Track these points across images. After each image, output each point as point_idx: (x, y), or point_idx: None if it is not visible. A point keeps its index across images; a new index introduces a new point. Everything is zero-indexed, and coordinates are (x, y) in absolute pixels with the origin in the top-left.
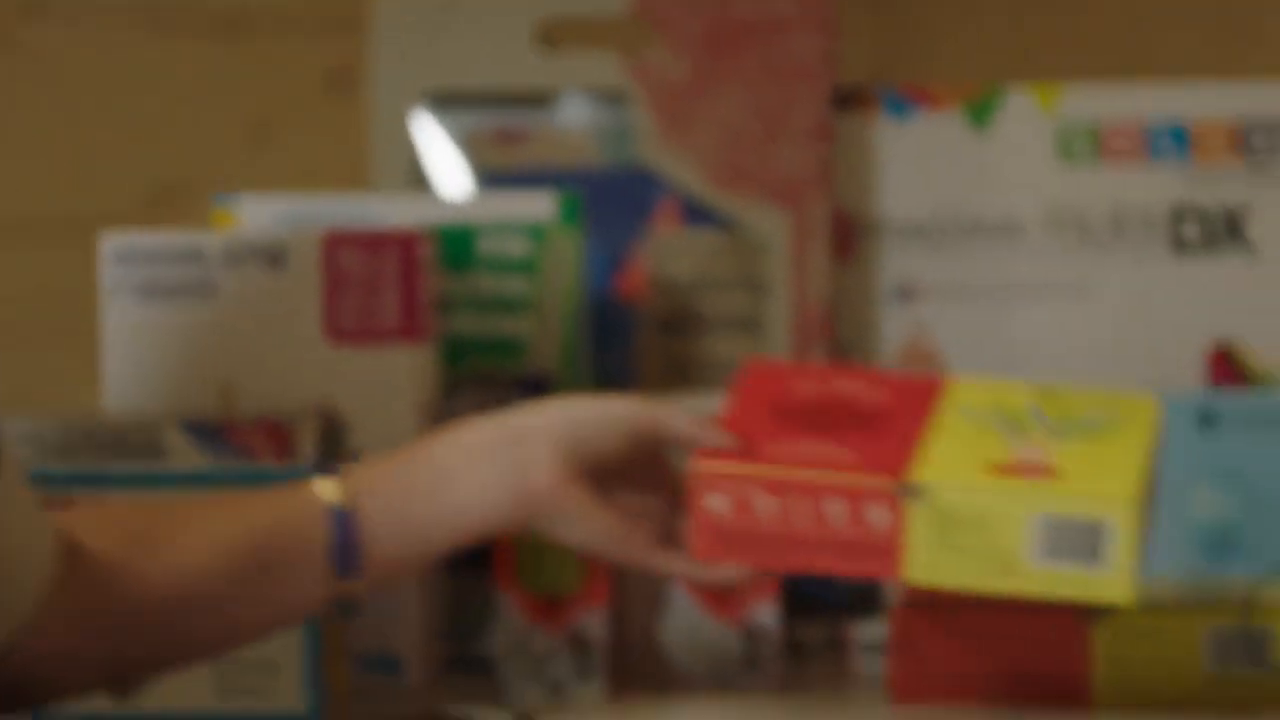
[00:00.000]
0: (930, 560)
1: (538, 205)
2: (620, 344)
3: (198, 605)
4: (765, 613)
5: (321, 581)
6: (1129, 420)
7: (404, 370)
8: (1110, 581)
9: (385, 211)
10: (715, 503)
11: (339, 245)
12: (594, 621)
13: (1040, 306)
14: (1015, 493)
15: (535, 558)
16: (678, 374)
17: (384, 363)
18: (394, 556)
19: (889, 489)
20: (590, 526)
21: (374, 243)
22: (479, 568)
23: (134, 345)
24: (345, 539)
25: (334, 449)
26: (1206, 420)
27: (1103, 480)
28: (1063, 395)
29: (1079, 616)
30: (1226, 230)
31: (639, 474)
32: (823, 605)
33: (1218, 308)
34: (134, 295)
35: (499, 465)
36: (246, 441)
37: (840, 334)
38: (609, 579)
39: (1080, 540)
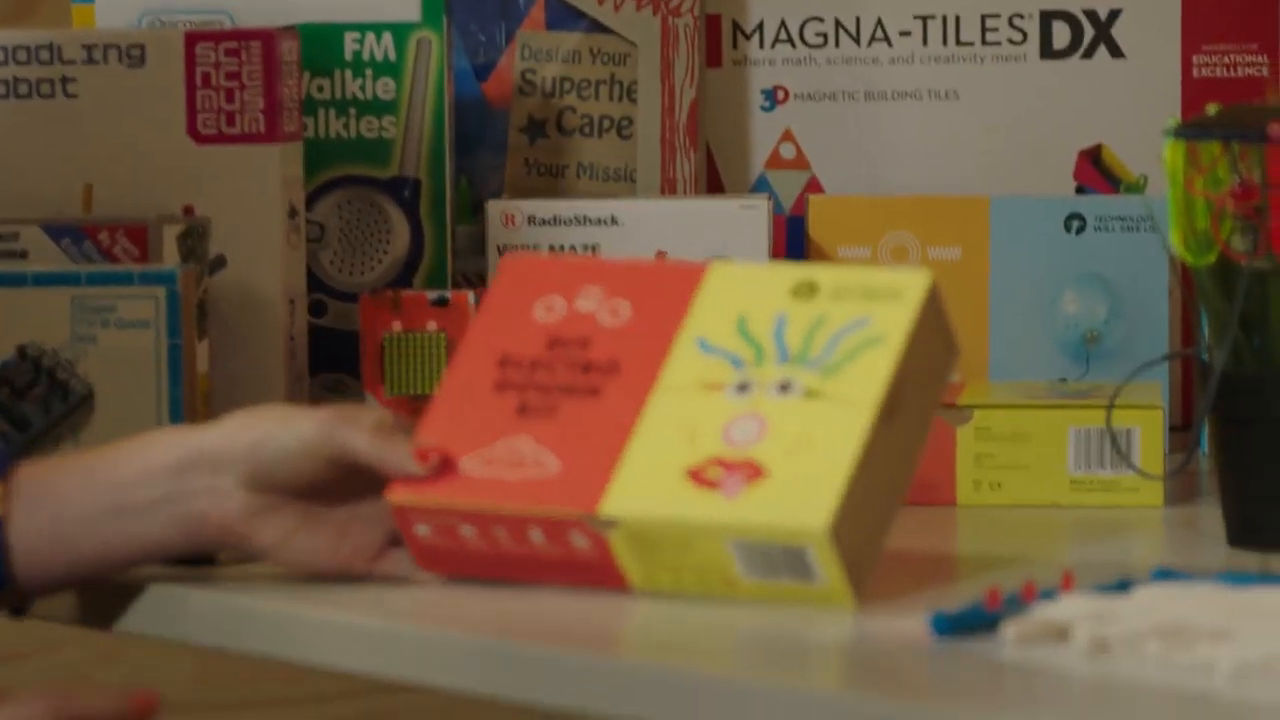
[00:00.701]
0: (649, 574)
1: (403, 5)
2: (488, 147)
3: None
4: None
5: None
6: (880, 332)
7: (268, 172)
8: (827, 592)
9: (247, 11)
10: (421, 530)
11: (201, 44)
12: None
13: (910, 111)
14: (708, 520)
15: (402, 361)
16: (546, 177)
17: (248, 164)
18: (51, 575)
19: (583, 520)
20: (291, 555)
21: (236, 41)
22: (347, 371)
23: None
24: None
25: (197, 251)
26: (1073, 223)
27: (801, 499)
28: (824, 288)
29: (945, 417)
30: (1095, 34)
31: (355, 480)
32: None
33: (1086, 111)
34: None
35: (176, 497)
36: (109, 243)
37: (710, 139)
38: None
39: (785, 561)
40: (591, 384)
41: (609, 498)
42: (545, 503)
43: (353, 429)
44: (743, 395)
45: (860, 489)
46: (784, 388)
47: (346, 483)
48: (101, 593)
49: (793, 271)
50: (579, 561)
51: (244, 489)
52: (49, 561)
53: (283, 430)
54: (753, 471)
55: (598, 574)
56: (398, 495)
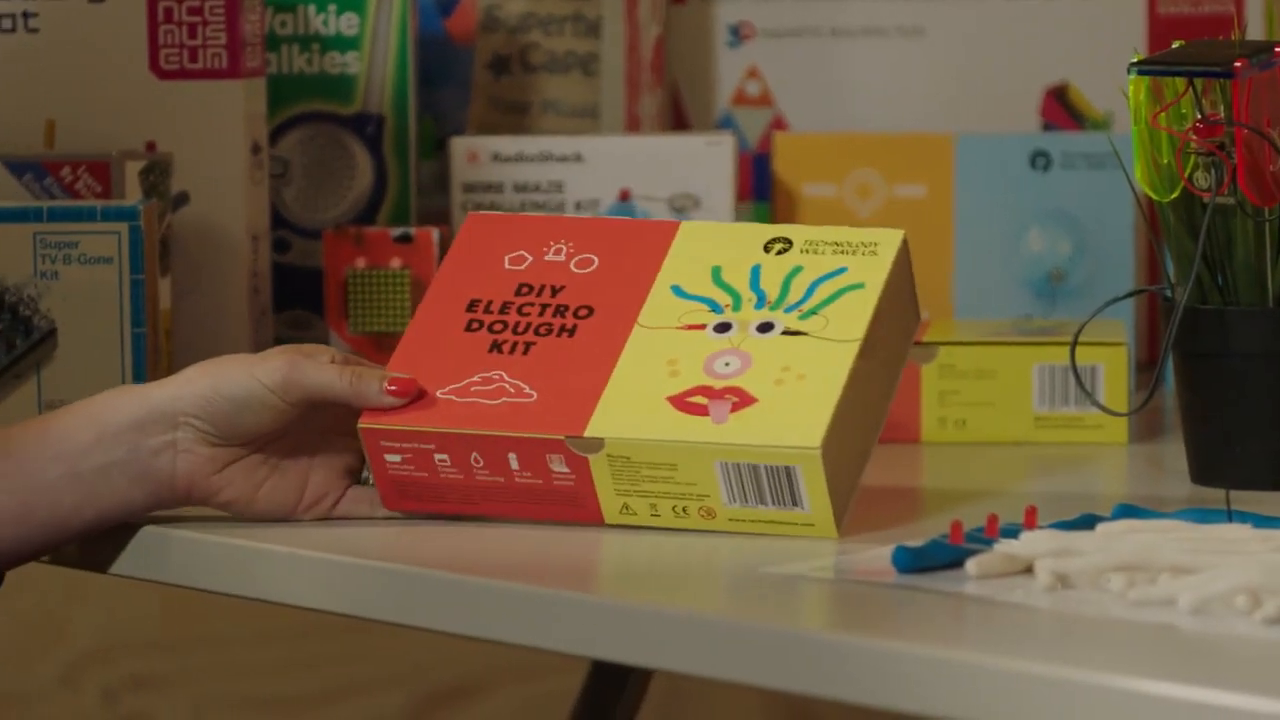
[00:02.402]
0: (625, 504)
1: None
2: (452, 83)
3: None
4: None
5: None
6: (858, 279)
7: (231, 108)
8: (809, 520)
9: None
10: (393, 459)
11: None
12: None
13: (876, 48)
14: (696, 440)
15: (365, 297)
16: (510, 114)
17: (211, 100)
18: (17, 549)
19: (565, 443)
20: (257, 508)
21: None
22: (310, 308)
23: None
24: None
25: (160, 188)
26: (1039, 161)
27: (792, 421)
28: (796, 243)
29: (910, 355)
30: None
31: (313, 421)
32: None
33: (1052, 49)
34: None
35: (135, 458)
36: (71, 179)
37: (675, 75)
38: None
39: (771, 486)
40: (565, 325)
41: (593, 422)
42: (527, 427)
43: (321, 366)
44: (723, 334)
45: (845, 419)
46: (765, 328)
47: (303, 424)
48: None
49: (764, 229)
50: (553, 491)
51: (205, 443)
52: (14, 536)
53: (244, 378)
54: (740, 399)
55: (571, 505)
56: (370, 421)
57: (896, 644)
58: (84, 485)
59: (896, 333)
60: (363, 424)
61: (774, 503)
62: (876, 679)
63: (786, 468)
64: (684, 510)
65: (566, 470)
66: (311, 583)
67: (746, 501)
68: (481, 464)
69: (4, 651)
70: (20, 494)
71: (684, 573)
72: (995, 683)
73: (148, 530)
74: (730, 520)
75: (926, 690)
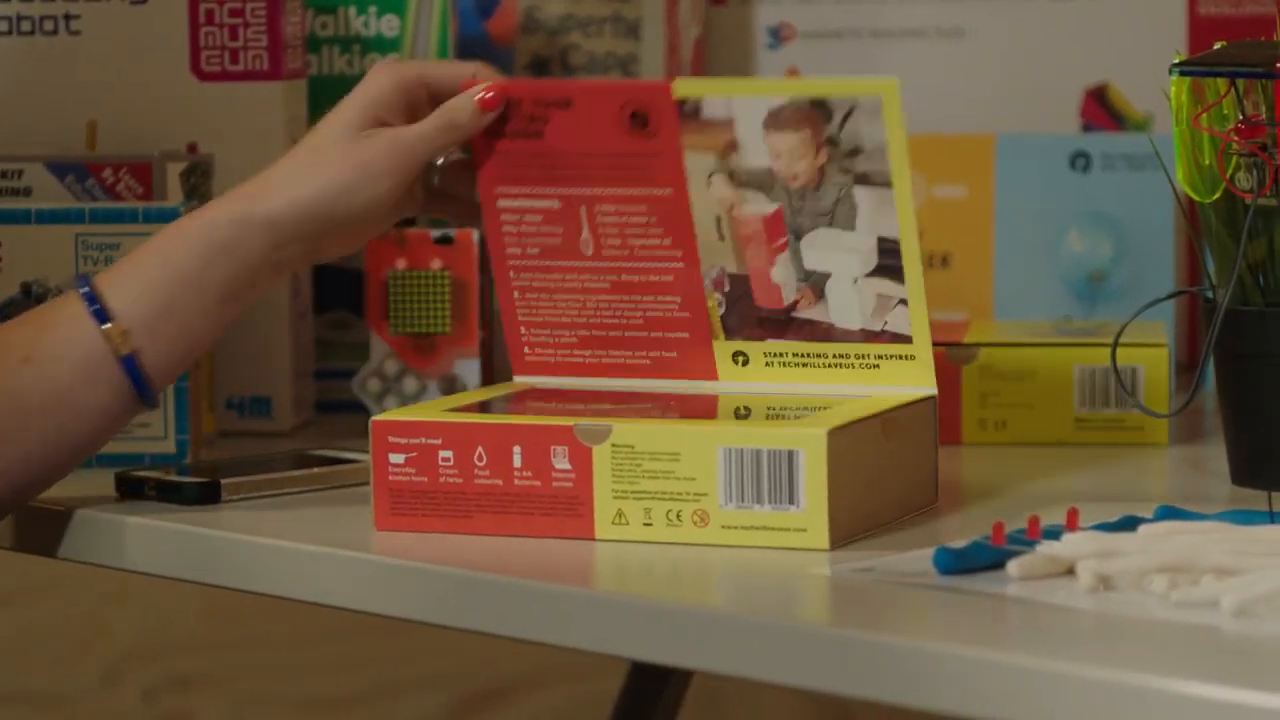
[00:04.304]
0: (621, 509)
1: None
2: None
3: None
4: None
5: (117, 415)
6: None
7: (272, 109)
8: (804, 522)
9: None
10: (397, 459)
11: None
12: (467, 363)
13: (916, 49)
14: (704, 429)
15: (405, 298)
16: None
17: (251, 101)
18: (181, 370)
19: (572, 430)
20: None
21: None
22: (351, 309)
23: None
24: (139, 384)
25: (201, 189)
26: (1079, 162)
27: (804, 420)
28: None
29: (950, 356)
30: None
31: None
32: None
33: (1092, 49)
34: None
35: (263, 272)
36: (112, 180)
37: (714, 76)
38: (482, 323)
39: (772, 477)
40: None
41: (602, 419)
42: (533, 417)
43: (418, 135)
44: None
45: (859, 441)
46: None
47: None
48: (41, 520)
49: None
50: (551, 496)
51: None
52: (181, 365)
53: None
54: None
55: (565, 515)
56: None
57: (938, 645)
58: (227, 310)
59: (909, 472)
60: (375, 419)
61: (771, 501)
62: (917, 680)
63: (789, 452)
64: (678, 516)
65: (568, 468)
66: (350, 583)
67: (743, 500)
68: (484, 462)
69: (46, 651)
70: (188, 334)
71: (719, 575)
72: (1037, 684)
73: (189, 532)
74: (723, 528)
75: (967, 692)
